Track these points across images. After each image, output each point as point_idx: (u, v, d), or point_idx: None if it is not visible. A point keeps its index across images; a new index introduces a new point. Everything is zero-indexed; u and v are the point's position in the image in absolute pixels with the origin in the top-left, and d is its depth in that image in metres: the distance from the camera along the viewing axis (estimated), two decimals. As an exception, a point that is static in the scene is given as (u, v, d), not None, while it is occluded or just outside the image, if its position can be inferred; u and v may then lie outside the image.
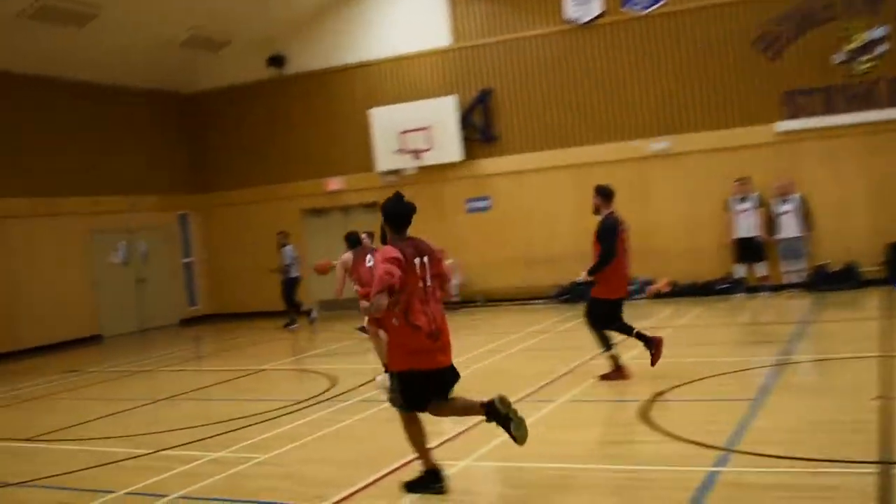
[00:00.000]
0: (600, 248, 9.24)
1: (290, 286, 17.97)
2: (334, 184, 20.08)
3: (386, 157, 19.05)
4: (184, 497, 6.34)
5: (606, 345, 9.42)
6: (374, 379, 10.09)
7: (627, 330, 9.39)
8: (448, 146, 18.45)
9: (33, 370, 14.88)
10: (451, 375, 6.18)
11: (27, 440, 9.11)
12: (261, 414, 9.05)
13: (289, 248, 18.13)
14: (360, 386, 10.21)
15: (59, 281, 18.33)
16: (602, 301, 9.41)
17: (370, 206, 19.67)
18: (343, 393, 9.92)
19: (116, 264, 19.80)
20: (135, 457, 7.78)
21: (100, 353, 17.05)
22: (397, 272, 5.89)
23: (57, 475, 7.43)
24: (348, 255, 10.75)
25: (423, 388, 6.02)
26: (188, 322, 21.17)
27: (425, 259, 6.16)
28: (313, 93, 20.40)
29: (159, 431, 8.88)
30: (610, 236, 9.21)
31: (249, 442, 7.85)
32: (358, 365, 11.94)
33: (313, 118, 20.43)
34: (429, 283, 6.14)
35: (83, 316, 18.90)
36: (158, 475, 6.99)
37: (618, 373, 9.33)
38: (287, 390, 10.59)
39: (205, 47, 20.05)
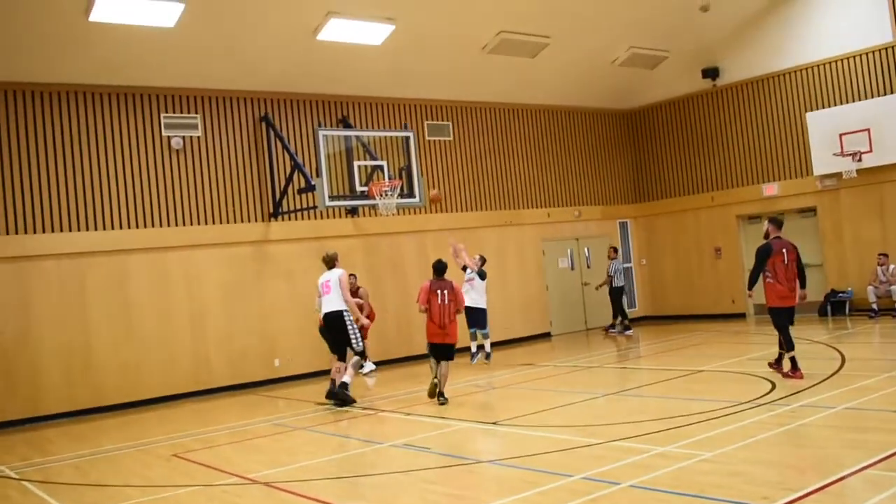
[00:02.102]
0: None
1: (616, 295, 19.13)
2: (770, 189, 19.30)
3: (823, 161, 17.89)
4: (634, 486, 6.44)
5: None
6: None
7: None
8: (890, 146, 16.83)
9: (496, 363, 16.01)
10: (446, 350, 11.65)
11: (493, 423, 9.86)
12: (704, 413, 8.96)
13: (616, 261, 19.24)
14: (802, 390, 9.75)
15: (518, 284, 19.67)
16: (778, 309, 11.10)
17: (806, 212, 18.80)
18: (785, 397, 9.49)
19: (564, 269, 20.73)
20: (587, 445, 8.08)
21: (550, 349, 17.91)
22: (424, 295, 11.63)
23: (519, 456, 7.94)
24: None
25: (435, 350, 11.67)
26: (628, 323, 21.55)
27: (445, 290, 11.63)
28: (748, 100, 19.79)
29: (608, 423, 9.15)
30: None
31: (694, 439, 7.78)
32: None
33: (748, 125, 19.85)
34: (446, 302, 11.55)
35: (537, 315, 20.07)
36: (610, 464, 7.19)
37: (795, 373, 10.73)
38: (727, 392, 10.32)
39: (642, 65, 20.26)
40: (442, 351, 11.67)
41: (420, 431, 9.80)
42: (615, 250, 19.58)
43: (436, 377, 11.71)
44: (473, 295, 14.98)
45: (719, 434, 7.92)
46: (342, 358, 12.36)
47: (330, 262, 12.53)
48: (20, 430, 13.00)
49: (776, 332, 11.26)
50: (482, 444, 9.07)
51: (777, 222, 11.42)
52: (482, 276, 15.23)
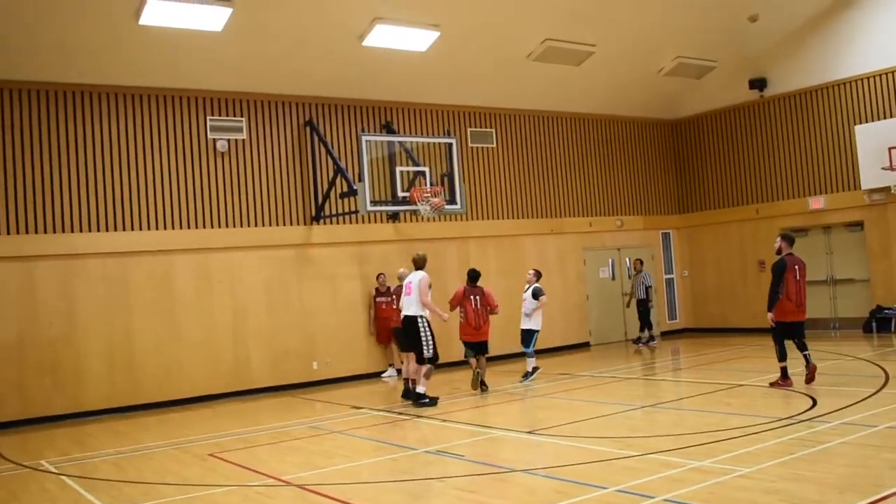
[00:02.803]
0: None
1: (646, 306, 19.04)
2: (816, 203, 18.98)
3: (872, 175, 17.53)
4: (668, 500, 6.33)
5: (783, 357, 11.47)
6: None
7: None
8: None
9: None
10: (481, 346, 13.17)
11: (528, 432, 9.79)
12: (741, 428, 8.81)
13: (643, 274, 19.12)
14: (843, 408, 9.55)
15: (560, 292, 19.53)
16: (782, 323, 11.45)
17: (854, 226, 18.44)
18: (825, 414, 9.30)
19: (605, 279, 20.57)
20: (623, 457, 7.98)
21: (589, 359, 17.76)
22: (457, 299, 13.12)
23: (553, 466, 7.87)
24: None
25: (469, 346, 13.10)
26: (668, 334, 21.33)
27: (477, 296, 13.06)
28: (795, 112, 19.49)
29: (644, 436, 9.04)
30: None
31: (732, 454, 7.64)
32: (840, 387, 11.18)
33: (794, 137, 19.54)
34: (479, 307, 13.01)
35: (577, 324, 19.93)
36: (645, 477, 7.09)
37: (785, 381, 11.41)
38: (767, 407, 10.16)
39: (689, 75, 20.07)
40: (476, 347, 13.23)
41: (455, 438, 9.76)
42: (641, 262, 19.48)
43: (475, 368, 13.20)
44: (523, 315, 14.40)
45: (757, 450, 7.77)
46: (420, 361, 12.37)
47: (417, 263, 12.57)
48: (62, 425, 13.18)
49: (802, 350, 11.52)
50: (516, 453, 8.99)
51: (789, 239, 11.80)
52: (535, 294, 14.19)
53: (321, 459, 9.10)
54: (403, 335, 12.81)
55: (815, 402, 10.04)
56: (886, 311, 17.75)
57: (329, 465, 8.73)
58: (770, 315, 11.45)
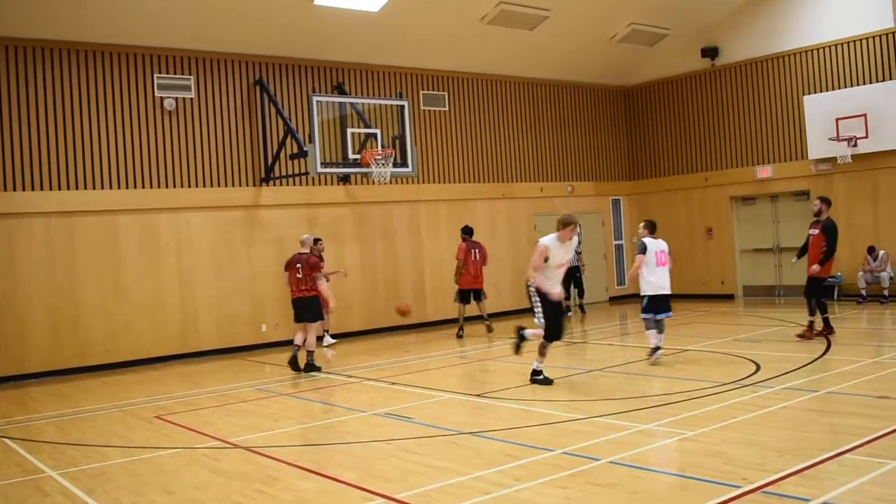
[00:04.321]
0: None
1: (577, 273, 18.19)
2: (764, 171, 19.25)
3: (819, 145, 17.83)
4: (613, 462, 6.43)
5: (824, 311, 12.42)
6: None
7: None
8: (887, 133, 16.81)
9: (482, 335, 16.02)
10: (478, 293, 15.88)
11: (477, 395, 9.85)
12: (686, 392, 8.96)
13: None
14: (786, 373, 9.76)
15: (509, 257, 19.61)
16: (820, 279, 12.42)
17: (800, 195, 18.77)
18: (768, 379, 9.49)
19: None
20: (569, 420, 8.08)
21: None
22: (462, 252, 15.57)
23: (501, 429, 7.94)
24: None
25: (466, 294, 15.70)
26: (616, 300, 21.58)
27: (476, 250, 15.67)
28: (746, 81, 19.69)
29: (591, 399, 9.14)
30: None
31: (676, 418, 7.78)
32: (784, 353, 11.41)
33: (745, 106, 19.75)
34: (477, 259, 15.58)
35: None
36: (591, 440, 7.19)
37: (811, 333, 12.28)
38: (711, 372, 10.33)
39: (642, 42, 20.12)
40: (475, 293, 15.94)
41: (404, 401, 9.79)
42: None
43: (462, 321, 15.81)
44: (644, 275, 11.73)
45: (701, 414, 7.92)
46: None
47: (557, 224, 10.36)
48: (4, 388, 12.96)
49: (807, 305, 12.63)
50: (465, 416, 9.04)
51: (829, 201, 12.62)
52: (641, 249, 11.77)
53: (269, 422, 9.07)
54: (304, 307, 12.58)
55: (758, 368, 10.25)
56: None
57: (277, 428, 8.71)
58: (816, 268, 12.30)
